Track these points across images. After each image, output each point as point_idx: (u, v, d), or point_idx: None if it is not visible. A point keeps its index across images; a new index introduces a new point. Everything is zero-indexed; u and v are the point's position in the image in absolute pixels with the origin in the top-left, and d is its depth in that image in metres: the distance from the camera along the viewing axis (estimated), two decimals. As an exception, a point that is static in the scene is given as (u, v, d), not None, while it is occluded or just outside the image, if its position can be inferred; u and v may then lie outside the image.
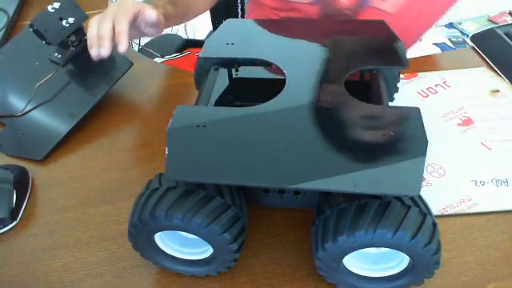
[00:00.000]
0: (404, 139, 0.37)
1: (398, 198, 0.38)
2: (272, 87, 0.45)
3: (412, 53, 0.80)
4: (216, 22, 1.06)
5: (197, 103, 0.49)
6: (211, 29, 1.13)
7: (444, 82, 0.66)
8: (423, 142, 0.36)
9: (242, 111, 0.42)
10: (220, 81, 0.54)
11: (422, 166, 0.36)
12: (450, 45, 1.82)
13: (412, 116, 0.39)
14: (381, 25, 0.56)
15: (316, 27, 0.58)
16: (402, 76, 0.67)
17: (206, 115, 0.41)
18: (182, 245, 0.44)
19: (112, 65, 0.68)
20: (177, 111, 0.42)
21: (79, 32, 0.67)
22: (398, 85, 0.60)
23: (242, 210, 0.42)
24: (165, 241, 0.44)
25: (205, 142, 0.39)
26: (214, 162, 0.38)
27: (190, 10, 0.75)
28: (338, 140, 0.39)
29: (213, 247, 0.41)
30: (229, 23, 0.58)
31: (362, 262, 0.42)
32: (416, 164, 0.36)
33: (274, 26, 0.60)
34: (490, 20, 1.89)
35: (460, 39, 1.85)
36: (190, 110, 0.43)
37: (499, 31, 0.73)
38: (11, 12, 0.90)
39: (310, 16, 0.73)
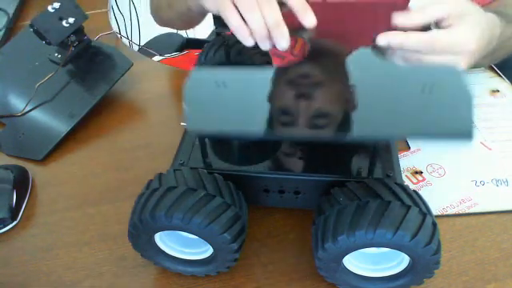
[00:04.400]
0: (449, 91, 0.37)
1: (398, 198, 0.38)
2: None
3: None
4: (217, 21, 1.06)
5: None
6: (213, 28, 1.12)
7: (444, 82, 0.66)
8: (468, 93, 0.36)
9: (267, 71, 0.42)
10: None
11: (472, 111, 0.35)
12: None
13: (454, 71, 0.39)
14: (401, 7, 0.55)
15: (334, 11, 0.57)
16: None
17: (225, 76, 0.41)
18: (182, 245, 0.45)
19: (112, 65, 0.68)
20: (195, 71, 0.41)
21: (79, 32, 0.67)
22: (398, 85, 0.60)
23: (241, 209, 0.42)
24: (165, 241, 0.44)
25: (224, 96, 0.39)
26: (234, 115, 0.38)
27: None
28: (382, 94, 0.38)
29: (213, 247, 0.41)
30: None
31: (362, 262, 0.42)
32: (466, 110, 0.35)
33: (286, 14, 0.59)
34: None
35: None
36: (208, 71, 0.42)
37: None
38: (11, 12, 0.91)
39: None
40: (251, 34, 0.44)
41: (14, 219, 0.52)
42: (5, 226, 0.52)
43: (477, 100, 0.63)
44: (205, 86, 0.40)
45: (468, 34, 0.43)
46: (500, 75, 0.67)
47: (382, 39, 0.43)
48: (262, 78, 0.41)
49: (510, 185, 0.52)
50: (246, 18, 0.44)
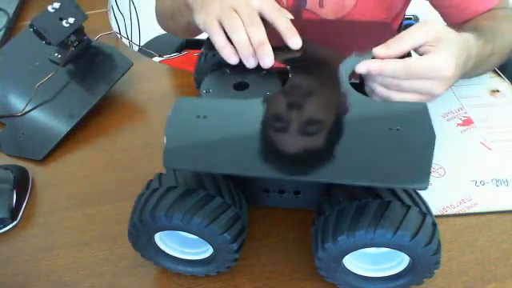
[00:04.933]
0: (411, 133, 0.37)
1: (398, 198, 0.38)
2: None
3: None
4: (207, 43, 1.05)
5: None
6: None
7: (444, 82, 0.66)
8: (430, 136, 0.36)
9: (244, 103, 0.42)
10: None
11: (431, 158, 0.35)
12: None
13: (418, 111, 0.39)
14: (384, 26, 0.55)
15: (320, 28, 0.58)
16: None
17: (207, 107, 0.41)
18: (182, 245, 0.45)
19: (112, 65, 0.68)
20: (178, 102, 0.42)
21: (79, 32, 0.67)
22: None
23: (241, 209, 0.42)
24: (165, 241, 0.44)
25: (204, 132, 0.39)
26: (212, 151, 0.38)
27: None
28: (342, 134, 0.38)
29: (213, 247, 0.41)
30: None
31: (362, 262, 0.42)
32: (424, 156, 0.35)
33: None
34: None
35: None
36: (191, 101, 0.42)
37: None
38: (11, 12, 0.91)
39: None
40: (235, 52, 0.46)
41: (14, 219, 0.52)
42: (5, 226, 0.52)
43: (477, 100, 0.63)
44: (186, 119, 0.40)
45: (445, 61, 0.44)
46: (500, 75, 0.67)
47: (361, 67, 0.44)
48: (244, 110, 0.41)
49: (510, 185, 0.52)
50: (231, 38, 0.46)
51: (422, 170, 0.35)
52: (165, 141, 0.38)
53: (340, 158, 0.36)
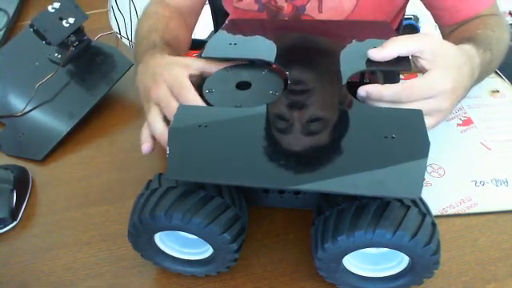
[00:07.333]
0: (405, 141, 0.37)
1: (398, 199, 0.38)
2: None
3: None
4: (216, 21, 1.06)
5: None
6: (212, 29, 1.13)
7: (444, 82, 0.66)
8: (425, 144, 0.36)
9: (245, 112, 0.42)
10: None
11: (424, 168, 0.35)
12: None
13: (414, 117, 0.39)
14: (383, 26, 0.56)
15: (320, 28, 0.58)
16: (401, 77, 0.67)
17: (208, 115, 0.41)
18: (181, 245, 0.45)
19: (112, 65, 0.68)
20: (179, 111, 0.42)
21: (79, 32, 0.68)
22: (398, 85, 0.59)
23: (241, 210, 0.42)
24: (165, 241, 0.44)
25: (206, 142, 0.39)
26: (214, 162, 0.38)
27: (181, 48, 0.65)
28: (339, 141, 0.38)
29: (213, 247, 0.41)
30: (232, 23, 0.58)
31: (362, 262, 0.42)
32: (417, 166, 0.35)
33: (278, 26, 0.60)
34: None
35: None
36: (192, 110, 0.43)
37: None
38: (11, 12, 0.91)
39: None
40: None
41: (14, 219, 0.52)
42: (5, 226, 0.52)
43: (477, 100, 0.63)
44: (187, 129, 0.40)
45: (441, 76, 0.45)
46: (500, 75, 0.67)
47: (361, 91, 0.45)
48: (244, 120, 0.41)
49: (510, 185, 0.52)
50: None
51: (414, 180, 0.35)
52: (167, 151, 0.38)
53: (336, 167, 0.36)
